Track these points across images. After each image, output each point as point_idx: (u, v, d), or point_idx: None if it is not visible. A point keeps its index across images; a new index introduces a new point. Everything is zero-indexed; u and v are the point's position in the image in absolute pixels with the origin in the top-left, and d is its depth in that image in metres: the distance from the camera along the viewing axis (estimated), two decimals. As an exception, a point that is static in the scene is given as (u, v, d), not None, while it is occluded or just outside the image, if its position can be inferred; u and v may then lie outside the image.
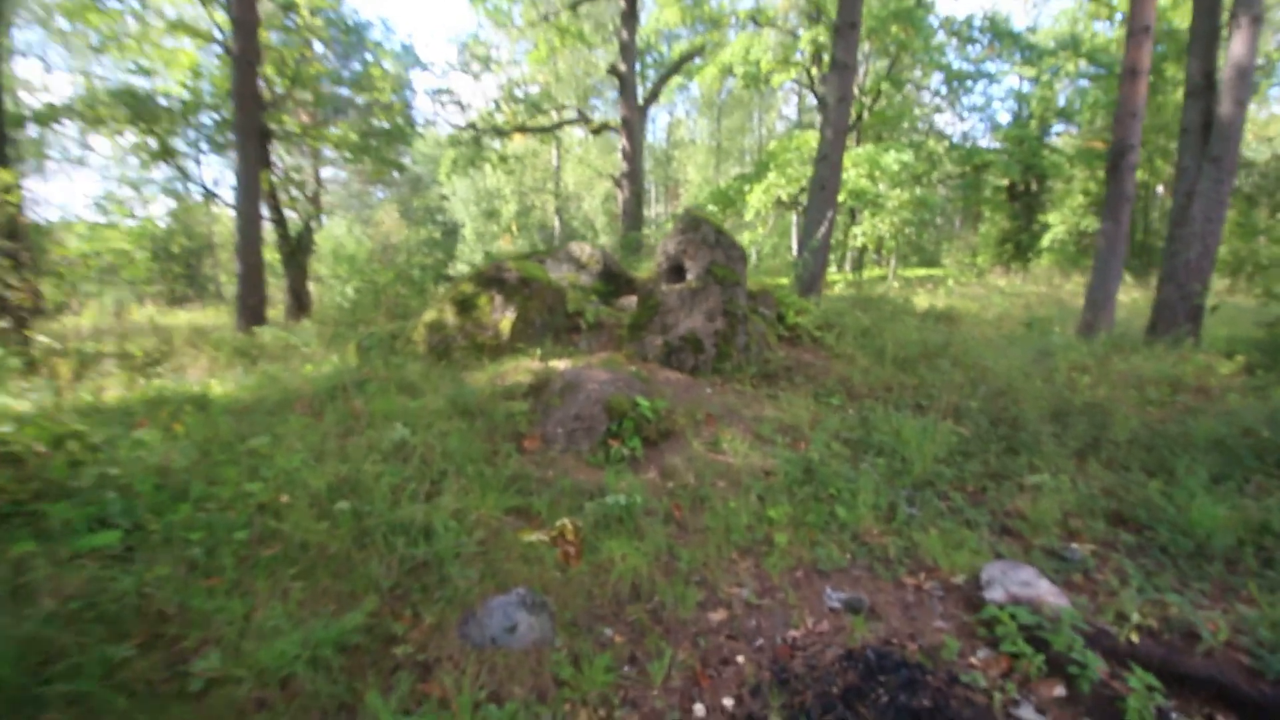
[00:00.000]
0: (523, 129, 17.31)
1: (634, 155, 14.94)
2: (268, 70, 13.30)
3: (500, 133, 16.96)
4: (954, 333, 7.40)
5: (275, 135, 14.50)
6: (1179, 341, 5.90)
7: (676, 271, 5.46)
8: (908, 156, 17.54)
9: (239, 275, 9.91)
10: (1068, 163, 18.78)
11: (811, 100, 34.82)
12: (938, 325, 8.61)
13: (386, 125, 16.30)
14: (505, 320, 5.05)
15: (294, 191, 17.32)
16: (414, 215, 36.18)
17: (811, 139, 17.94)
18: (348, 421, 3.69)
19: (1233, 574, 2.76)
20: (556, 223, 28.13)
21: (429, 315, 5.33)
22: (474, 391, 4.05)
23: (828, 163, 8.54)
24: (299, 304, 14.48)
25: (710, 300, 5.21)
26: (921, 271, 21.47)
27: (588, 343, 5.43)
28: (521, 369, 4.55)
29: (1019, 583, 2.51)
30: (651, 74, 19.76)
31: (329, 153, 17.85)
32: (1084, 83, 20.20)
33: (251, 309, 10.08)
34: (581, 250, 6.64)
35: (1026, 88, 23.03)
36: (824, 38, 18.59)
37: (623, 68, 14.42)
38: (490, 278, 5.26)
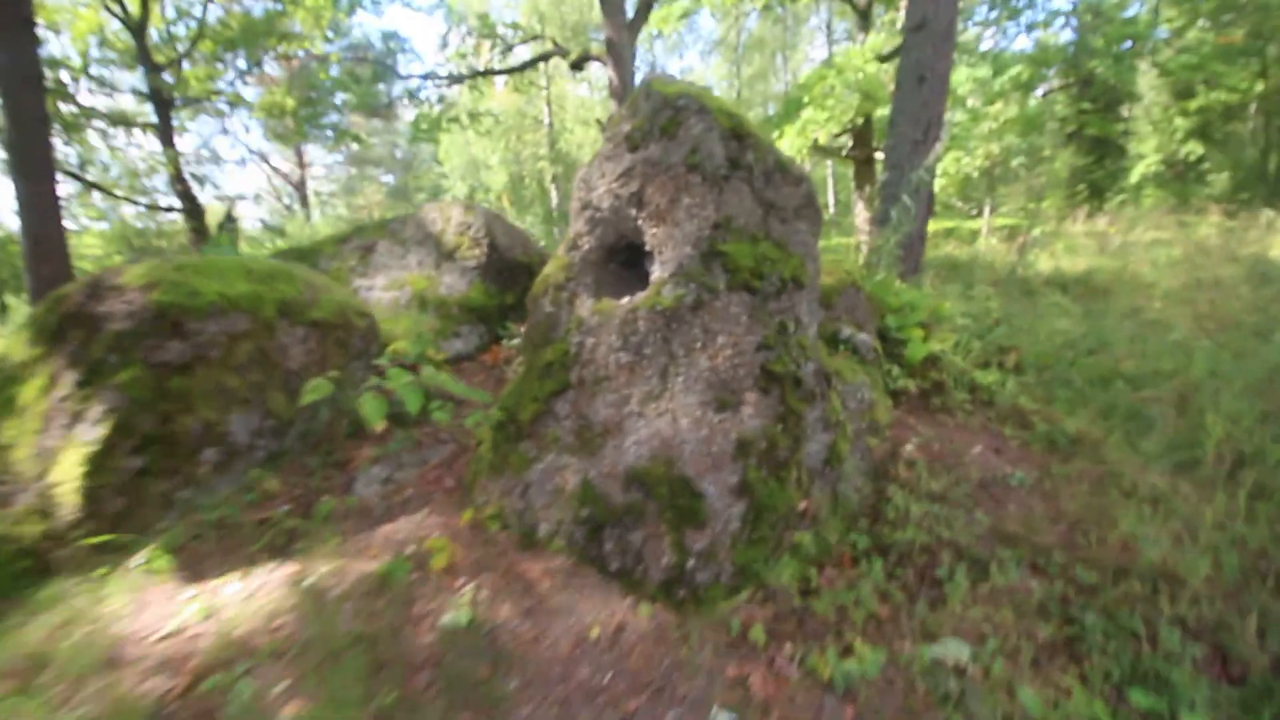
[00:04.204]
0: (489, 72, 13.63)
1: (623, 90, 11.16)
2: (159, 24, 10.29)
3: (457, 80, 13.32)
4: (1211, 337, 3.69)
5: (173, 103, 11.27)
6: None
7: (622, 256, 1.94)
8: (983, 72, 13.44)
9: (30, 290, 6.56)
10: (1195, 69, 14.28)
11: (842, 28, 30.04)
12: (1082, 303, 4.94)
13: (314, 82, 12.95)
14: (71, 454, 1.61)
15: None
16: (410, 197, 32.98)
17: (856, 57, 13.81)
18: None
19: None
20: (554, 194, 24.45)
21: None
22: None
23: (927, 32, 4.75)
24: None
25: (722, 345, 1.69)
26: (994, 222, 17.18)
27: (388, 475, 1.98)
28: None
29: None
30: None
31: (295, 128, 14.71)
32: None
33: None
34: (445, 219, 3.10)
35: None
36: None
37: (601, -30, 10.59)
38: (69, 318, 1.81)
